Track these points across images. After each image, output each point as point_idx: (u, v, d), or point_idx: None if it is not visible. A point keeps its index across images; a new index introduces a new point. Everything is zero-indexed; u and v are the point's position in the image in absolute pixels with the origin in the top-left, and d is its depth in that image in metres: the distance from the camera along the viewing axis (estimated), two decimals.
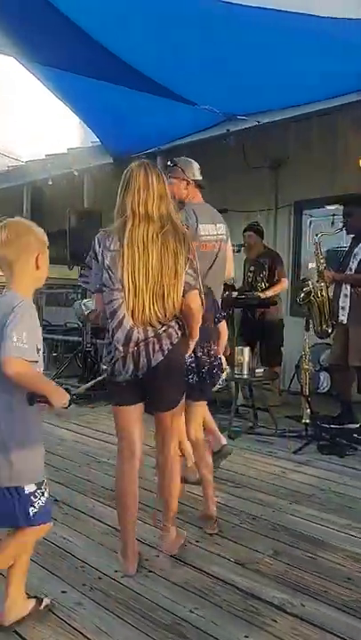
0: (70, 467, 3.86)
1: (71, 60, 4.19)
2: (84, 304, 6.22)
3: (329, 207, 6.54)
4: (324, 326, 4.91)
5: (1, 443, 1.93)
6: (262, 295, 5.71)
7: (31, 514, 1.96)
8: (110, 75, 4.29)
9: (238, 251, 6.02)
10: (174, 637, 2.02)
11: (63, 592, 2.30)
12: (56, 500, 3.24)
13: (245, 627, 2.10)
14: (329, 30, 3.45)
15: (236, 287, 5.97)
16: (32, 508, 1.97)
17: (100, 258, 2.46)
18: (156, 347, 2.42)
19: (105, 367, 2.55)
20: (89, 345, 7.09)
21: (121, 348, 2.42)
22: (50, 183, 7.26)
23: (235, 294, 5.66)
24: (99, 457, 4.12)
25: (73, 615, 2.14)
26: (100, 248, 2.47)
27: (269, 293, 5.76)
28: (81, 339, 7.15)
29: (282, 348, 5.93)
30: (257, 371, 5.02)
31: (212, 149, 7.31)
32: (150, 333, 2.42)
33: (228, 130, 5.48)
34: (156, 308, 2.39)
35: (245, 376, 4.88)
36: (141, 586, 2.35)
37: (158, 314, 2.40)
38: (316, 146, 6.52)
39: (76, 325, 7.80)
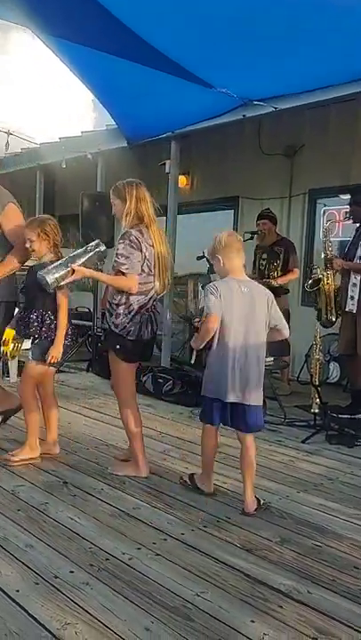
0: (78, 449, 3.88)
1: (88, 33, 4.13)
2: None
3: (343, 197, 6.48)
4: (328, 315, 4.88)
5: None
6: (275, 283, 5.67)
7: None
8: (128, 51, 4.24)
9: (251, 238, 5.99)
10: (180, 619, 2.03)
11: (71, 572, 2.31)
12: (65, 482, 3.26)
13: (251, 612, 2.11)
14: (357, 8, 3.36)
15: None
16: None
17: (143, 249, 3.27)
18: (154, 314, 3.44)
19: (131, 329, 3.29)
20: (99, 329, 7.10)
21: (146, 313, 3.33)
22: (63, 166, 7.23)
23: None
24: (107, 440, 4.13)
25: (80, 594, 2.16)
26: (142, 243, 3.28)
27: (281, 281, 5.73)
28: (91, 323, 7.16)
29: (288, 338, 5.90)
30: (266, 360, 4.98)
31: (227, 135, 7.27)
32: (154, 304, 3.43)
33: (243, 115, 5.42)
34: (167, 285, 3.48)
35: None
36: (148, 568, 2.37)
37: (165, 289, 3.51)
38: (333, 133, 6.47)
39: (87, 310, 7.82)
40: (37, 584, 2.22)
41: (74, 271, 3.25)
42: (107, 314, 3.36)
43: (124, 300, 3.28)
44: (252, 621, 2.05)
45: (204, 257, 5.83)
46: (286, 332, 3.20)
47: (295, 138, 6.87)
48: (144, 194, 3.41)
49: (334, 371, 6.11)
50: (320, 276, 4.77)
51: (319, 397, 4.61)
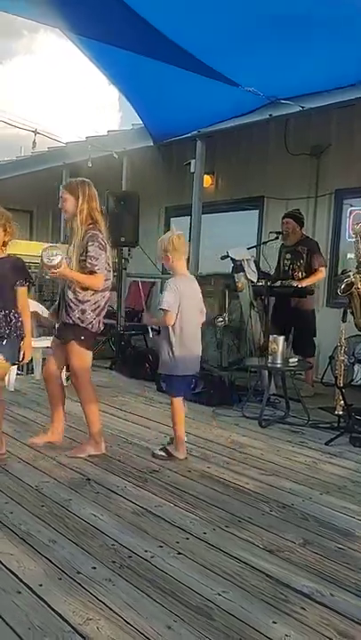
0: None
1: (115, 33, 4.17)
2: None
3: None
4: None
5: None
6: (299, 284, 5.64)
7: None
8: (155, 50, 4.26)
9: (276, 238, 5.97)
10: (201, 618, 2.03)
11: (93, 568, 2.33)
12: (88, 479, 3.29)
13: (273, 613, 2.10)
14: None
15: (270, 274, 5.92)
16: None
17: (106, 250, 3.59)
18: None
19: (95, 323, 3.63)
20: (122, 328, 7.14)
21: (107, 308, 3.75)
22: (89, 165, 7.27)
23: (270, 283, 5.62)
24: (129, 438, 4.15)
25: (102, 591, 2.17)
26: (106, 244, 3.60)
27: (306, 282, 5.69)
28: (115, 322, 7.19)
29: (314, 339, 5.87)
30: (291, 360, 4.97)
31: (253, 135, 7.25)
32: None
33: (270, 115, 5.41)
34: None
35: (279, 365, 4.84)
36: (171, 567, 2.37)
37: None
38: (360, 133, 6.40)
39: (111, 309, 7.85)
40: (60, 579, 2.24)
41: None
42: (66, 309, 3.59)
43: (89, 297, 3.59)
44: (274, 622, 2.04)
45: (228, 257, 5.83)
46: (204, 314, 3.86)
47: (322, 137, 6.81)
48: (95, 193, 3.67)
49: (359, 373, 6.05)
50: (353, 279, 4.72)
51: (343, 399, 4.57)
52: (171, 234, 3.70)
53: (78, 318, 3.58)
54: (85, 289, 3.57)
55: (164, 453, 3.74)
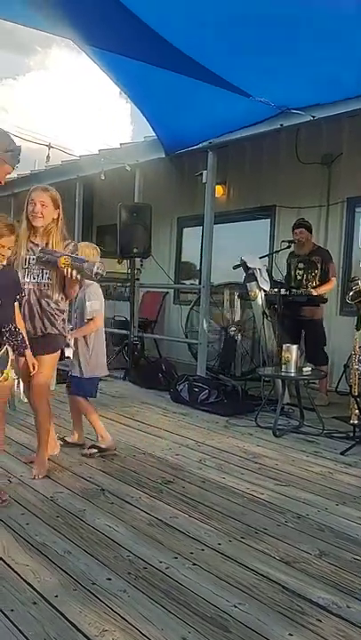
0: (115, 457, 3.91)
1: (127, 44, 4.22)
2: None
3: None
4: None
5: None
6: (315, 292, 5.65)
7: None
8: (166, 61, 4.30)
9: (288, 246, 5.97)
10: (217, 630, 2.02)
11: (108, 579, 2.32)
12: (102, 490, 3.29)
13: (290, 625, 2.08)
14: None
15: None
16: None
17: None
18: None
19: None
20: (136, 338, 7.16)
21: None
22: (102, 178, 7.34)
23: (283, 291, 5.62)
24: (143, 448, 4.15)
25: (118, 602, 2.17)
26: None
27: (321, 291, 5.70)
28: (128, 332, 7.22)
29: (325, 348, 5.86)
30: (304, 369, 4.96)
31: (264, 145, 7.27)
32: None
33: (281, 125, 5.41)
34: None
35: (292, 374, 4.83)
36: (186, 578, 2.36)
37: None
38: None
39: (123, 319, 7.89)
40: (76, 590, 2.24)
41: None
42: (49, 319, 3.48)
43: (65, 307, 3.64)
44: (290, 635, 2.02)
45: (240, 266, 5.84)
46: None
47: (333, 146, 6.82)
48: None
49: None
50: None
51: (358, 408, 4.53)
52: (83, 243, 3.95)
53: (63, 328, 3.58)
54: (64, 298, 3.57)
55: (95, 450, 3.89)
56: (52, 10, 3.70)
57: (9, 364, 3.08)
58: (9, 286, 3.13)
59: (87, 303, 3.87)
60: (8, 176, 3.53)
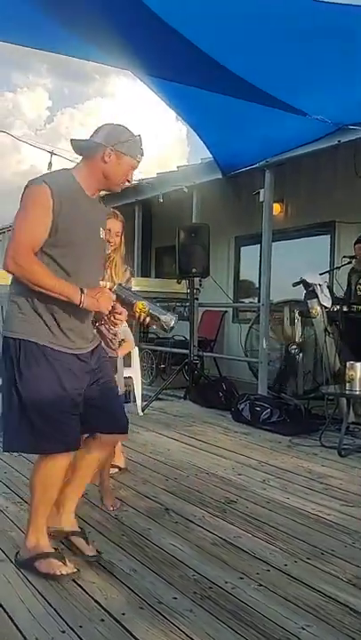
0: (179, 476, 3.92)
1: (183, 71, 4.32)
2: None
3: None
4: None
5: None
6: None
7: None
8: (220, 85, 4.37)
9: (349, 262, 5.89)
10: None
11: (174, 598, 2.33)
12: (166, 509, 3.31)
13: None
14: None
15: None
16: None
17: None
18: None
19: None
20: (196, 358, 7.18)
21: None
22: (160, 200, 7.48)
23: (345, 308, 5.54)
24: (206, 467, 4.15)
25: (184, 621, 2.17)
26: None
27: None
28: (188, 351, 7.26)
29: None
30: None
31: (321, 161, 7.22)
32: None
33: (339, 141, 5.38)
34: None
35: (357, 392, 4.72)
36: (252, 598, 2.34)
37: None
38: None
39: (183, 338, 7.94)
40: (142, 608, 2.26)
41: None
42: (108, 345, 3.31)
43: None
44: None
45: (300, 283, 5.80)
46: None
47: None
48: None
49: None
50: None
51: None
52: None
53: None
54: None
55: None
56: (108, 41, 3.84)
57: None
58: None
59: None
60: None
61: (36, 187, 2.36)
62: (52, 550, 2.51)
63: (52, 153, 6.32)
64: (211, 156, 6.49)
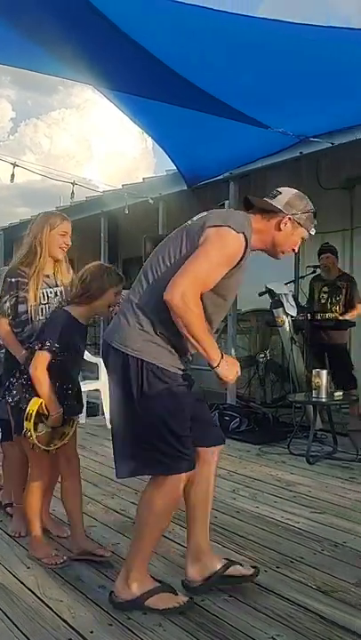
0: None
1: (146, 86, 4.34)
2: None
3: None
4: None
5: None
6: (348, 316, 5.64)
7: None
8: (184, 99, 4.40)
9: (314, 272, 5.97)
10: None
11: (144, 613, 2.30)
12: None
13: None
14: None
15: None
16: None
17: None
18: None
19: None
20: None
21: None
22: (126, 212, 7.47)
23: (309, 316, 5.61)
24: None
25: (153, 636, 2.15)
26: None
27: (350, 316, 5.68)
28: None
29: (353, 371, 5.80)
30: (336, 394, 4.91)
31: (285, 173, 7.32)
32: None
33: (301, 152, 5.47)
34: None
35: (323, 399, 4.78)
36: (223, 610, 2.33)
37: None
38: None
39: None
40: (111, 625, 2.23)
41: None
42: None
43: None
44: None
45: (266, 292, 5.85)
46: None
47: (354, 170, 6.84)
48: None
49: None
50: None
51: None
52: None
53: None
54: None
55: None
56: (69, 56, 3.83)
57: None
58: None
59: None
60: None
61: (235, 235, 2.24)
62: (158, 584, 2.40)
63: (14, 165, 6.20)
64: (175, 168, 6.53)
